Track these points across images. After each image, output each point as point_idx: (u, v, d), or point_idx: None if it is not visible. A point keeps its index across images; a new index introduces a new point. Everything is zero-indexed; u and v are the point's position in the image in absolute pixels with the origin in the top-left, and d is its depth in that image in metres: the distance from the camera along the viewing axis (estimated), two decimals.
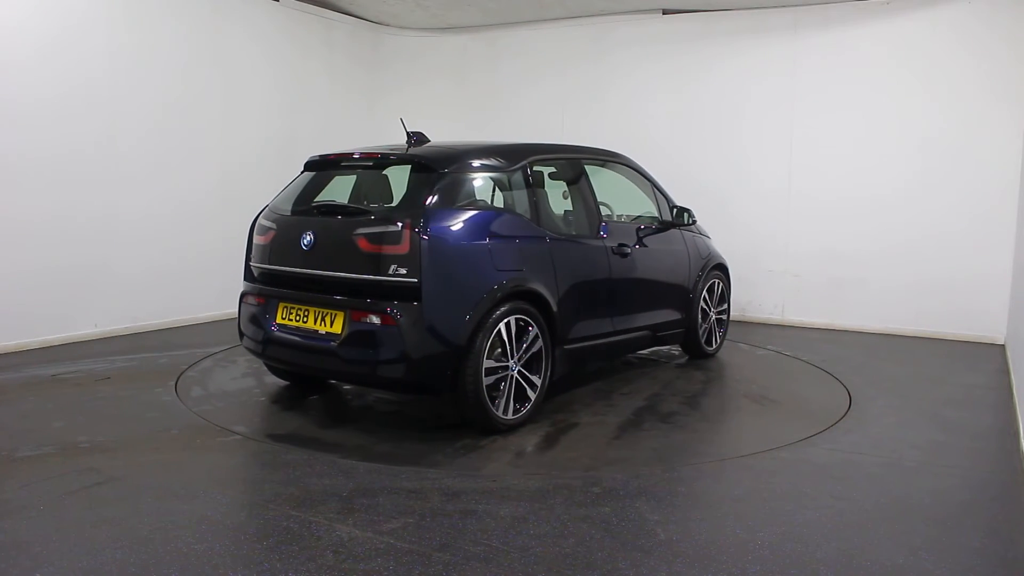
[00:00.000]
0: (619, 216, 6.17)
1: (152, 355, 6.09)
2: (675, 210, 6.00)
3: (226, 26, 7.57)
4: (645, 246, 5.62)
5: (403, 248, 4.07)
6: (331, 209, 4.57)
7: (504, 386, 4.38)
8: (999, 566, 3.00)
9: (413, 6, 8.65)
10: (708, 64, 8.24)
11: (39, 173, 6.13)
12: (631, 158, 6.00)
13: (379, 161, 4.76)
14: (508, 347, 4.36)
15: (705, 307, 6.26)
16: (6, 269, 5.97)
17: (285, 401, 5.07)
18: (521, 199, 4.77)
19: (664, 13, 8.39)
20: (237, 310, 4.94)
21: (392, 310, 4.06)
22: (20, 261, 6.05)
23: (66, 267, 6.35)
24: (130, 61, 6.70)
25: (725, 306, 6.59)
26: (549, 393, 5.09)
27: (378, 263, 4.12)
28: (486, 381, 4.24)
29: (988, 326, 7.20)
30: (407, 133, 5.03)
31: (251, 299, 4.75)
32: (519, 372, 4.46)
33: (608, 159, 5.76)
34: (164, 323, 7.13)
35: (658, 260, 5.76)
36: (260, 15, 7.94)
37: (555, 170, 5.28)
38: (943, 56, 7.23)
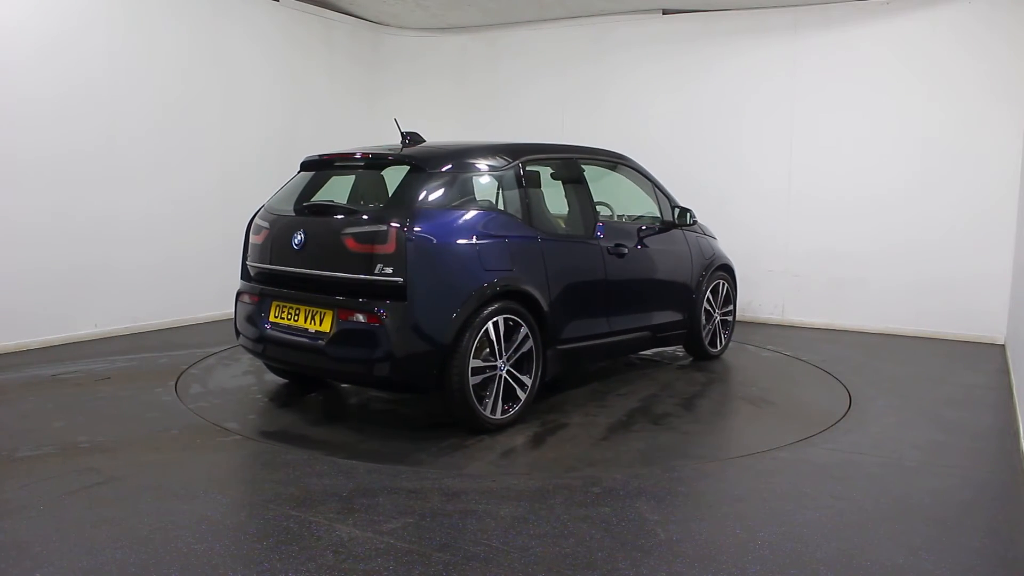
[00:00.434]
0: (620, 216, 6.16)
1: (152, 355, 6.09)
2: (676, 210, 5.98)
3: (226, 26, 7.57)
4: (644, 246, 5.61)
5: (389, 248, 4.11)
6: (321, 209, 4.61)
7: (493, 386, 4.39)
8: (999, 566, 3.00)
9: (413, 6, 8.65)
10: (708, 64, 8.24)
11: (39, 173, 6.13)
12: (631, 158, 5.99)
13: (370, 161, 4.81)
14: (496, 347, 4.37)
15: (709, 308, 6.22)
16: (6, 269, 5.97)
17: (283, 400, 5.07)
18: (513, 199, 4.78)
19: (664, 13, 8.40)
20: (233, 309, 4.98)
21: (378, 309, 4.11)
22: (20, 261, 6.05)
23: (66, 267, 6.35)
24: (130, 61, 6.71)
25: (731, 307, 6.53)
26: (543, 393, 5.10)
27: (365, 262, 4.18)
28: (473, 380, 4.26)
29: (988, 326, 7.20)
30: (401, 133, 5.07)
31: (246, 297, 4.82)
32: (508, 372, 4.47)
33: (607, 159, 5.74)
34: (164, 323, 7.13)
35: (658, 260, 5.74)
36: (260, 15, 7.94)
37: (549, 170, 5.27)
38: (943, 56, 7.23)
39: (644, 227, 5.73)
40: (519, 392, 4.54)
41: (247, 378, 5.54)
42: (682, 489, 3.67)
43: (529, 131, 8.53)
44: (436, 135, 8.41)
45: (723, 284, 6.39)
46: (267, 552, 2.94)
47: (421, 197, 4.32)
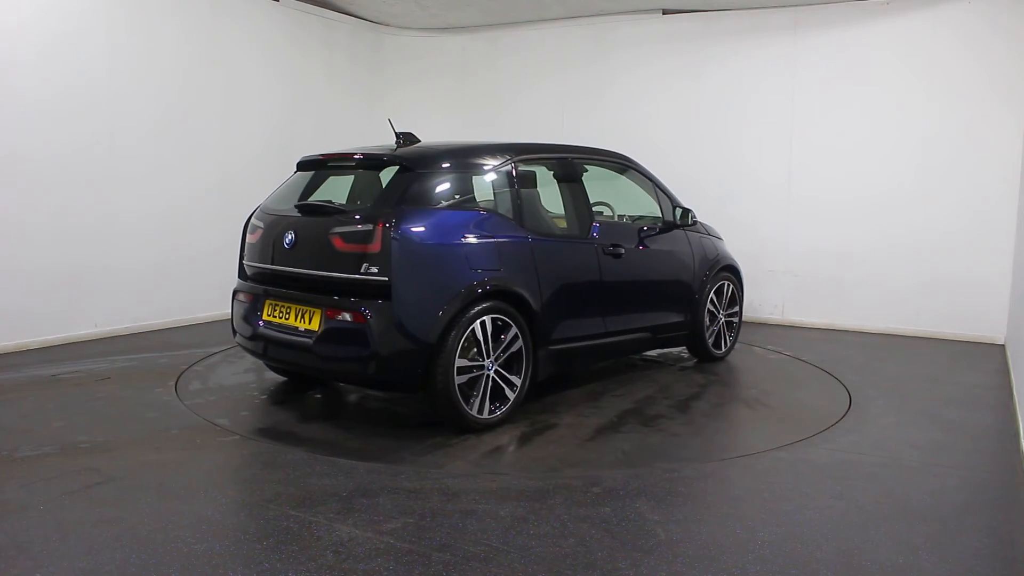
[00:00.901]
0: (620, 217, 6.15)
1: (152, 355, 6.09)
2: (677, 211, 5.94)
3: (226, 26, 7.57)
4: (643, 247, 5.59)
5: (375, 247, 4.15)
6: (312, 209, 4.63)
7: (480, 385, 4.40)
8: (999, 566, 3.00)
9: (413, 6, 8.65)
10: (708, 64, 8.24)
11: (39, 173, 6.13)
12: (631, 157, 5.96)
13: (360, 161, 4.86)
14: (484, 347, 4.38)
15: (713, 309, 6.16)
16: (6, 269, 5.97)
17: (280, 399, 5.09)
18: (504, 199, 4.78)
19: (664, 13, 8.40)
20: (230, 307, 5.03)
21: (363, 308, 4.14)
22: (20, 261, 6.05)
23: (66, 267, 6.35)
24: (130, 61, 6.71)
25: (736, 309, 6.44)
26: (538, 393, 5.12)
27: (352, 262, 4.22)
28: (459, 380, 4.27)
29: (988, 326, 7.20)
30: (396, 133, 5.10)
31: (242, 296, 4.89)
32: (496, 372, 4.47)
33: (605, 159, 5.70)
34: (164, 323, 7.13)
35: (657, 261, 5.72)
36: (260, 15, 7.94)
37: (543, 170, 5.26)
38: (943, 56, 7.23)
39: (644, 227, 5.71)
40: (508, 392, 4.55)
41: (247, 378, 5.54)
42: (682, 489, 3.67)
43: (529, 131, 8.53)
44: (436, 135, 8.41)
45: (728, 285, 6.32)
46: (267, 552, 2.94)
47: (408, 197, 4.35)
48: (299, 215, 4.63)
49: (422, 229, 4.29)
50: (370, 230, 4.19)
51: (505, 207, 4.74)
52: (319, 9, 8.60)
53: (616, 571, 2.85)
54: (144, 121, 6.86)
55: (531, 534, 3.13)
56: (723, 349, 6.35)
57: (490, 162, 4.80)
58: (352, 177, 5.06)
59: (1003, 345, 7.02)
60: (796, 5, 7.75)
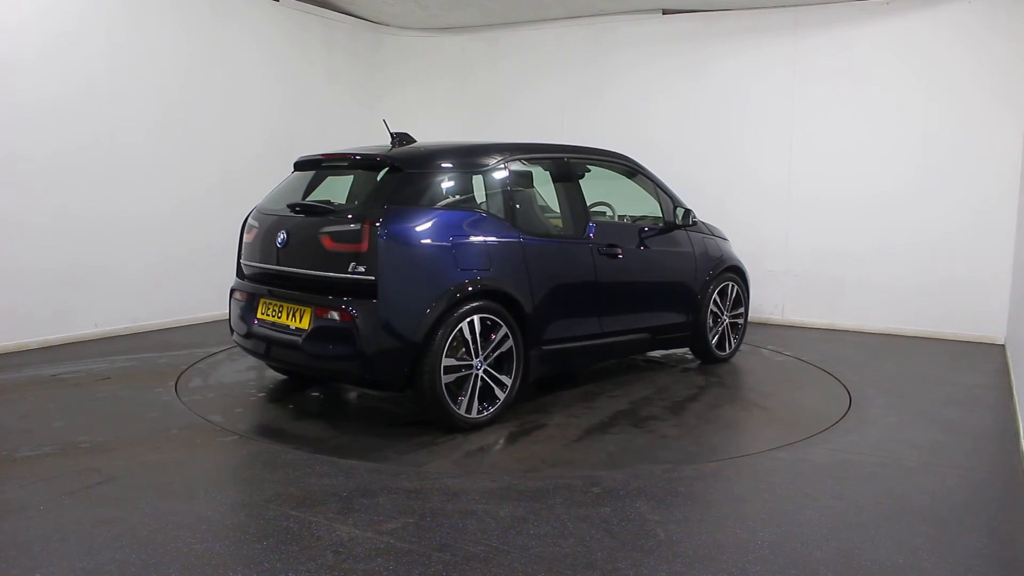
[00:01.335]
0: (620, 217, 6.14)
1: (152, 355, 6.09)
2: (677, 211, 5.90)
3: (226, 26, 7.57)
4: (642, 247, 5.57)
5: (362, 246, 4.19)
6: (303, 208, 4.66)
7: (468, 385, 4.40)
8: (999, 566, 3.00)
9: (413, 6, 8.65)
10: (708, 64, 8.24)
11: (39, 173, 6.13)
12: (631, 157, 5.94)
13: (353, 162, 4.91)
14: (472, 346, 4.39)
15: (716, 310, 6.11)
16: (6, 269, 5.97)
17: (279, 398, 5.09)
18: (496, 199, 4.78)
19: (664, 13, 8.40)
20: (228, 306, 5.07)
21: (349, 307, 4.18)
22: (20, 261, 6.05)
23: (66, 267, 6.35)
24: (130, 61, 6.71)
25: (741, 310, 6.38)
26: (532, 393, 5.13)
27: (340, 261, 4.26)
28: (446, 379, 4.29)
29: (988, 326, 7.20)
30: (391, 134, 5.11)
31: (238, 295, 4.94)
32: (486, 372, 4.48)
33: (605, 159, 5.68)
34: (164, 323, 7.13)
35: (657, 261, 5.70)
36: (260, 15, 7.94)
37: (538, 170, 5.26)
38: (943, 56, 7.23)
39: (643, 228, 5.70)
40: (498, 392, 4.55)
41: (247, 378, 5.54)
42: (682, 489, 3.67)
43: (529, 131, 8.53)
44: (436, 135, 8.41)
45: (732, 286, 6.26)
46: (267, 552, 2.94)
47: (396, 197, 4.38)
48: (291, 215, 4.66)
49: (409, 229, 4.31)
50: (357, 230, 4.23)
51: (497, 207, 4.75)
52: (319, 9, 8.60)
53: (616, 571, 2.85)
54: (144, 121, 6.86)
55: (531, 534, 3.13)
56: (727, 351, 6.29)
57: (482, 162, 4.82)
58: (352, 177, 5.07)
59: (1003, 345, 7.02)
60: (796, 5, 7.75)
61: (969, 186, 7.20)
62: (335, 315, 4.22)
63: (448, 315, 4.28)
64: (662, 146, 8.20)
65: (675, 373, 5.99)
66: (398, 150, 4.81)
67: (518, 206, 4.85)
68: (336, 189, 5.08)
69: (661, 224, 5.83)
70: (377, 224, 4.18)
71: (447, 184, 4.67)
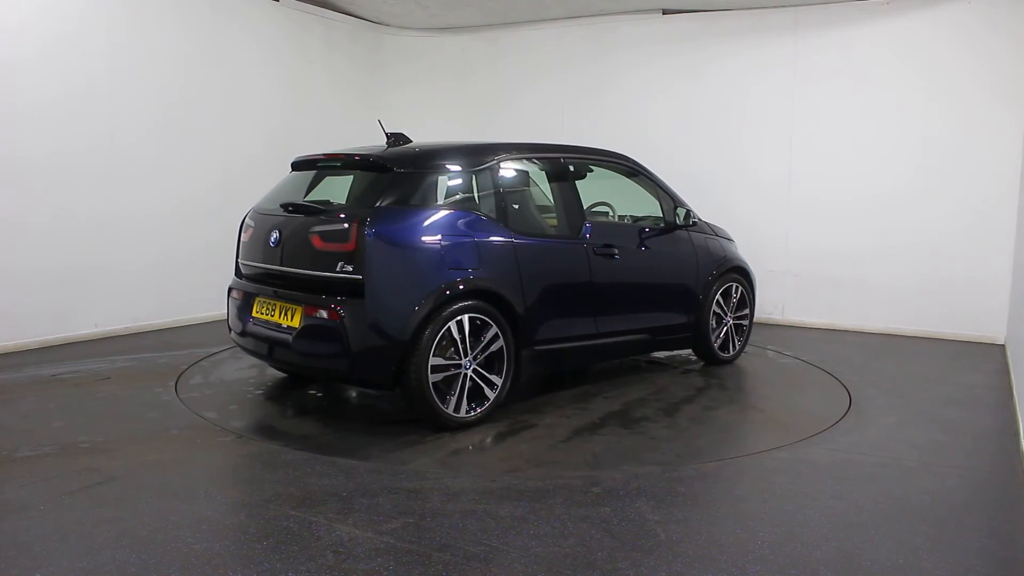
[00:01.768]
0: (621, 217, 6.13)
1: (152, 355, 6.09)
2: (678, 211, 5.85)
3: (226, 26, 7.57)
4: (641, 247, 5.54)
5: (350, 246, 4.23)
6: (296, 208, 4.69)
7: (457, 384, 4.41)
8: (999, 566, 3.00)
9: (413, 6, 8.65)
10: (708, 64, 8.24)
11: (39, 173, 6.13)
12: (631, 157, 5.92)
13: (345, 162, 4.95)
14: (461, 346, 4.40)
15: (719, 311, 6.05)
16: (6, 269, 5.97)
17: (278, 396, 5.11)
18: (488, 199, 4.79)
19: (664, 13, 8.40)
20: (226, 305, 5.12)
21: (336, 306, 4.21)
22: (20, 261, 6.05)
23: (66, 267, 6.35)
24: (130, 61, 6.70)
25: (746, 311, 6.31)
26: (527, 393, 5.14)
27: (329, 260, 4.31)
28: (433, 378, 4.30)
29: (988, 326, 7.20)
30: (386, 134, 5.13)
31: (235, 294, 5.00)
32: (475, 371, 4.48)
33: (603, 159, 5.65)
34: (164, 323, 7.13)
35: (656, 262, 5.66)
36: (260, 15, 7.94)
37: (532, 170, 5.25)
38: (943, 56, 7.23)
39: (643, 228, 5.68)
40: (488, 391, 4.56)
41: (247, 378, 5.54)
42: (682, 489, 3.66)
43: (529, 131, 8.53)
44: (435, 135, 8.41)
45: (736, 287, 6.19)
46: (267, 552, 2.94)
47: (385, 197, 4.40)
48: (284, 215, 4.70)
49: (397, 228, 4.34)
50: (345, 229, 4.28)
51: (488, 207, 4.76)
52: (319, 9, 8.60)
53: (616, 571, 2.85)
54: (144, 121, 6.86)
55: (531, 534, 3.13)
56: (731, 352, 6.21)
57: (473, 163, 4.83)
58: (352, 177, 5.08)
59: (1003, 345, 7.02)
60: (796, 5, 7.75)
61: (969, 186, 7.19)
62: (323, 314, 4.26)
63: (435, 314, 4.30)
64: (662, 146, 8.20)
65: (675, 375, 5.96)
66: (388, 150, 4.83)
67: (510, 206, 4.86)
68: (336, 189, 5.09)
69: (661, 224, 5.80)
70: (364, 224, 4.21)
71: (437, 184, 4.69)
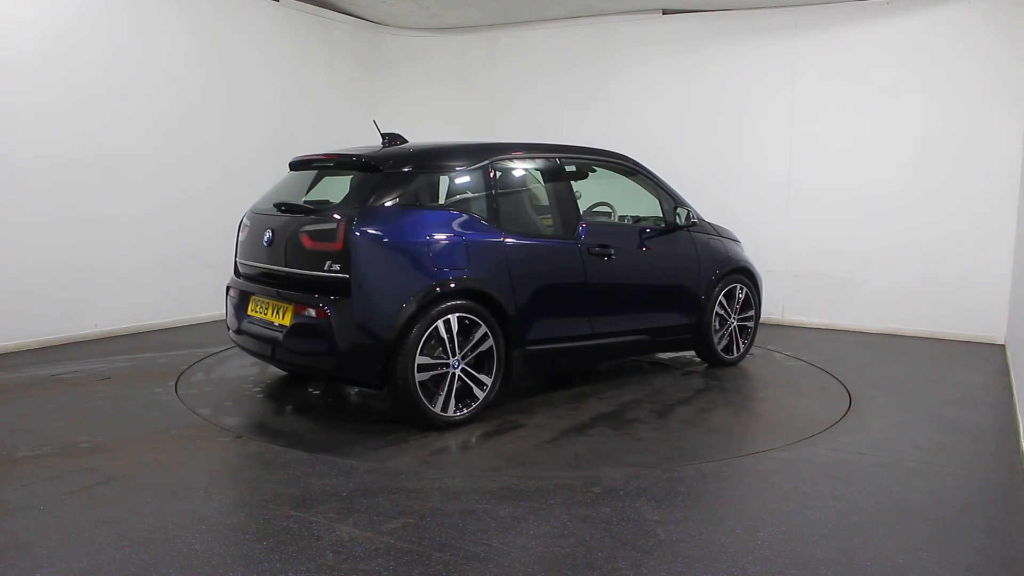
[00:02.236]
0: (622, 218, 6.12)
1: (152, 355, 6.09)
2: (678, 211, 5.78)
3: (226, 26, 7.57)
4: (640, 247, 5.52)
5: (337, 245, 4.26)
6: (288, 208, 4.72)
7: (445, 383, 4.43)
8: (999, 566, 3.00)
9: (413, 6, 8.65)
10: (708, 64, 8.24)
11: (39, 173, 6.13)
12: (630, 156, 5.89)
13: (338, 162, 4.99)
14: (449, 345, 4.41)
15: (723, 313, 6.01)
16: (6, 269, 5.97)
17: (277, 395, 5.11)
18: (479, 199, 4.80)
19: (664, 13, 8.40)
20: (224, 304, 5.18)
21: (323, 304, 4.25)
22: (20, 261, 6.05)
23: (66, 267, 6.35)
24: (130, 61, 6.71)
25: (751, 313, 6.22)
26: (522, 393, 5.15)
27: (317, 259, 4.35)
28: (420, 377, 4.32)
29: (988, 326, 7.20)
30: (381, 134, 5.15)
31: (232, 292, 5.05)
32: (464, 371, 4.49)
33: (600, 158, 5.63)
34: (164, 323, 7.13)
35: (654, 262, 5.62)
36: (260, 15, 7.94)
37: (524, 170, 5.25)
38: (943, 56, 7.23)
39: (642, 228, 5.65)
40: (477, 391, 4.56)
41: (247, 377, 5.54)
42: (682, 489, 3.66)
43: (529, 131, 8.53)
44: (435, 135, 8.41)
45: (741, 288, 6.11)
46: (267, 552, 2.94)
47: (373, 196, 4.43)
48: (277, 214, 4.74)
49: (384, 228, 4.36)
50: (333, 229, 4.31)
51: (479, 207, 4.76)
52: (319, 9, 8.60)
53: (616, 571, 2.85)
54: (144, 121, 6.86)
55: (531, 534, 3.13)
56: (735, 354, 6.14)
57: (465, 162, 4.84)
58: (351, 177, 5.08)
59: (1003, 345, 7.02)
60: (796, 5, 7.75)
61: (969, 186, 7.19)
62: (311, 312, 4.30)
63: (422, 314, 4.32)
64: (662, 146, 8.20)
65: (676, 376, 5.91)
66: (378, 150, 4.86)
67: (502, 206, 4.86)
68: (336, 189, 5.09)
69: (661, 225, 5.76)
70: (351, 224, 4.24)
71: (426, 184, 4.72)
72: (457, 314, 4.43)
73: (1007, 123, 7.00)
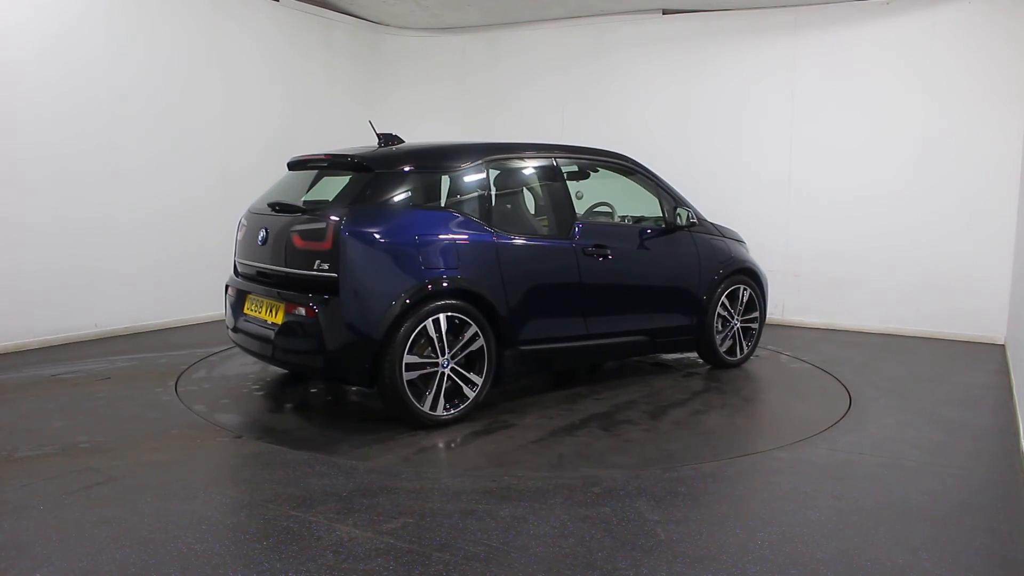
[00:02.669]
0: (622, 218, 6.11)
1: (152, 355, 6.09)
2: (677, 211, 5.75)
3: (226, 26, 7.57)
4: (638, 248, 5.50)
5: (326, 244, 4.30)
6: (281, 207, 4.75)
7: (434, 382, 4.44)
8: (999, 566, 3.00)
9: (413, 6, 8.65)
10: (708, 64, 8.24)
11: (39, 173, 6.13)
12: (629, 156, 5.88)
13: (331, 162, 5.01)
14: (438, 344, 4.42)
15: (725, 314, 5.93)
16: (6, 269, 5.97)
17: (277, 395, 5.12)
18: (472, 199, 4.80)
19: (664, 13, 8.40)
20: (224, 303, 5.23)
21: (312, 303, 4.29)
22: (20, 261, 6.05)
23: (66, 267, 6.35)
24: (130, 61, 6.71)
25: (755, 314, 6.14)
26: (517, 393, 5.15)
27: (308, 258, 4.39)
28: (408, 376, 4.33)
29: (988, 326, 7.20)
30: (377, 135, 5.16)
31: (230, 291, 5.10)
32: (454, 370, 4.50)
33: (598, 158, 5.61)
34: (164, 323, 7.13)
35: (652, 262, 5.58)
36: (260, 15, 7.94)
37: (517, 170, 5.25)
38: (943, 56, 7.23)
39: (640, 229, 5.63)
40: (467, 391, 4.57)
41: (247, 377, 5.54)
42: (682, 489, 3.66)
43: (529, 131, 8.53)
44: (435, 135, 8.41)
45: (744, 289, 6.03)
46: (267, 552, 2.94)
47: (363, 196, 4.45)
48: (272, 214, 4.77)
49: (373, 228, 4.38)
50: (322, 228, 4.34)
51: (471, 207, 4.76)
52: (319, 9, 8.59)
53: (616, 571, 2.85)
54: (144, 121, 6.86)
55: (531, 534, 3.13)
56: (738, 356, 6.07)
57: (456, 163, 4.84)
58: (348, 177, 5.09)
59: (1003, 345, 7.02)
60: (796, 5, 7.76)
61: (969, 186, 7.19)
62: (301, 311, 4.34)
63: (410, 313, 4.33)
64: (662, 146, 8.20)
65: (677, 377, 5.86)
66: (371, 151, 4.88)
67: (495, 206, 4.87)
68: (335, 189, 5.08)
69: (661, 225, 5.73)
70: (340, 223, 4.27)
71: (418, 184, 4.71)
72: (446, 314, 4.44)
73: (1007, 123, 7.00)
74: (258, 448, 4.17)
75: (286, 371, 5.53)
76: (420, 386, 4.41)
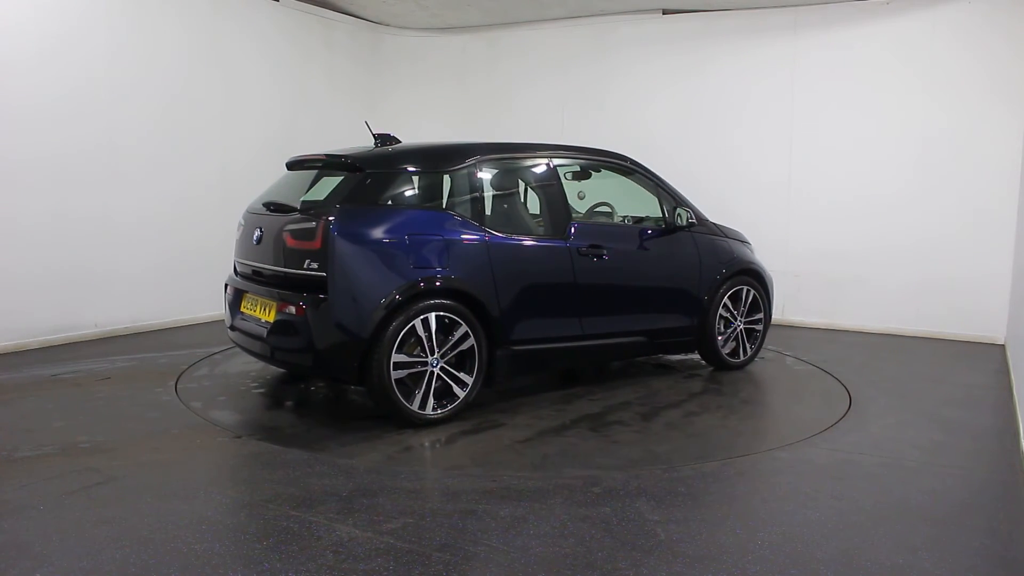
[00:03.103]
0: (622, 218, 6.10)
1: (152, 355, 6.09)
2: (677, 212, 5.70)
3: (226, 26, 7.57)
4: (636, 248, 5.48)
5: (316, 244, 4.34)
6: (276, 207, 4.78)
7: (423, 381, 4.45)
8: (999, 566, 3.00)
9: (413, 6, 8.65)
10: (708, 64, 8.24)
11: (39, 173, 6.13)
12: (629, 156, 5.85)
13: (326, 162, 5.03)
14: (428, 344, 4.43)
15: (728, 315, 5.87)
16: (6, 269, 5.97)
17: (277, 395, 5.12)
18: (462, 198, 4.81)
19: (664, 13, 8.40)
20: (223, 301, 5.26)
21: (302, 302, 4.32)
22: (20, 261, 6.05)
23: (66, 267, 6.35)
24: (130, 61, 6.71)
25: (759, 315, 6.05)
26: (512, 393, 5.14)
27: (298, 257, 4.44)
28: (396, 375, 4.35)
29: (988, 326, 7.19)
30: (373, 135, 5.18)
31: (228, 290, 5.14)
32: (443, 370, 4.51)
33: (595, 158, 5.58)
34: (164, 323, 7.13)
35: (651, 262, 5.55)
36: (260, 15, 7.94)
37: (512, 170, 5.24)
38: (943, 56, 7.23)
39: (639, 229, 5.61)
40: (457, 390, 4.57)
41: (247, 377, 5.54)
42: (682, 489, 3.66)
43: (529, 131, 8.53)
44: (435, 135, 8.41)
45: (747, 290, 5.96)
46: (267, 552, 2.94)
47: (354, 196, 4.48)
48: (266, 213, 4.81)
49: (362, 227, 4.41)
50: (312, 228, 4.38)
51: (464, 207, 4.77)
52: (319, 9, 8.59)
53: (616, 571, 2.85)
54: (144, 121, 6.86)
55: (531, 534, 3.13)
56: (741, 358, 6.01)
57: (448, 163, 4.84)
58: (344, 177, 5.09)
59: (1003, 345, 7.02)
60: (796, 5, 7.75)
61: (969, 186, 7.19)
62: (292, 310, 4.38)
63: (398, 312, 4.34)
64: (662, 146, 8.19)
65: (677, 379, 5.82)
66: (362, 151, 4.90)
67: (487, 206, 4.88)
68: (329, 189, 5.10)
69: (661, 225, 5.69)
70: (330, 223, 4.30)
71: (409, 184, 4.74)
72: (435, 313, 4.45)
73: (1007, 123, 7.00)
74: (258, 448, 4.17)
75: (283, 370, 5.52)
76: (410, 385, 4.43)
